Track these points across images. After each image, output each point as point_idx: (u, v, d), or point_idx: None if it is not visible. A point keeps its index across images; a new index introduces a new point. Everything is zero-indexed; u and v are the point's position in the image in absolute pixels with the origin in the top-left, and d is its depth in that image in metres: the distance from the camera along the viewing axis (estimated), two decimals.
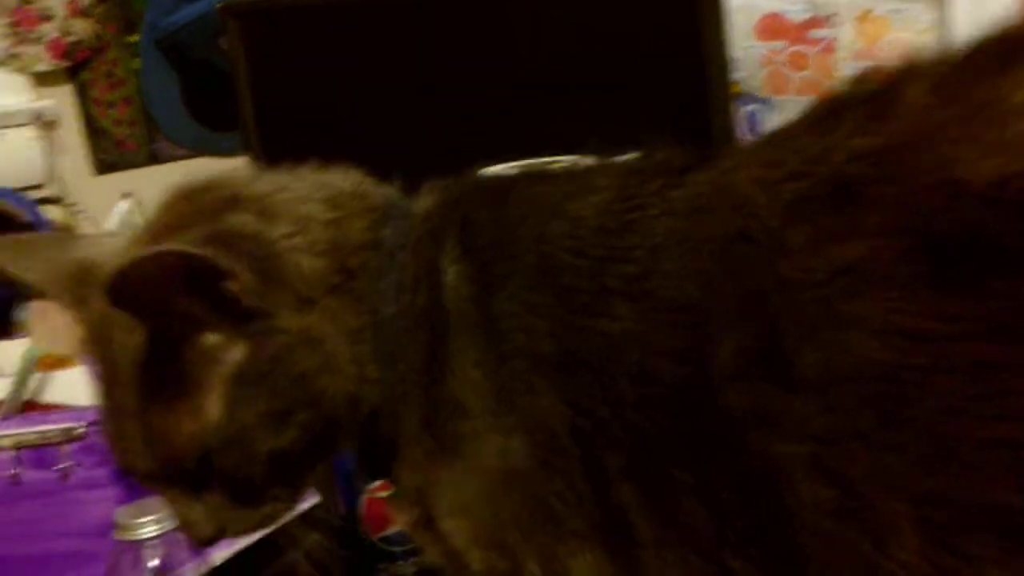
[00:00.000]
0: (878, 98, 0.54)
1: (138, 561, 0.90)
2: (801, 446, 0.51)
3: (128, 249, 0.67)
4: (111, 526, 0.90)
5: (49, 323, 1.22)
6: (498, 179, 0.67)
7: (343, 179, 0.69)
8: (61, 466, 1.04)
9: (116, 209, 1.58)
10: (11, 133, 2.05)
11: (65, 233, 0.74)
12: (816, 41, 1.44)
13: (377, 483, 0.70)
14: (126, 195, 1.62)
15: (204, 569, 0.92)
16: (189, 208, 0.66)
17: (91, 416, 1.03)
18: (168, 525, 0.88)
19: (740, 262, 0.54)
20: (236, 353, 0.62)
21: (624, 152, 0.69)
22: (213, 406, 0.62)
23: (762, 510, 0.52)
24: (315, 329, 0.62)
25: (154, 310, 0.61)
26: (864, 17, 1.41)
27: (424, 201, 0.69)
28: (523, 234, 0.61)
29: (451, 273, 0.63)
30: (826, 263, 0.51)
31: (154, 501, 0.91)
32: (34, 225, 1.69)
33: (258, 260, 0.61)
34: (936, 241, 0.49)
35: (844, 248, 0.51)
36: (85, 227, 1.75)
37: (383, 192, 0.70)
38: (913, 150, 0.51)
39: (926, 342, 0.48)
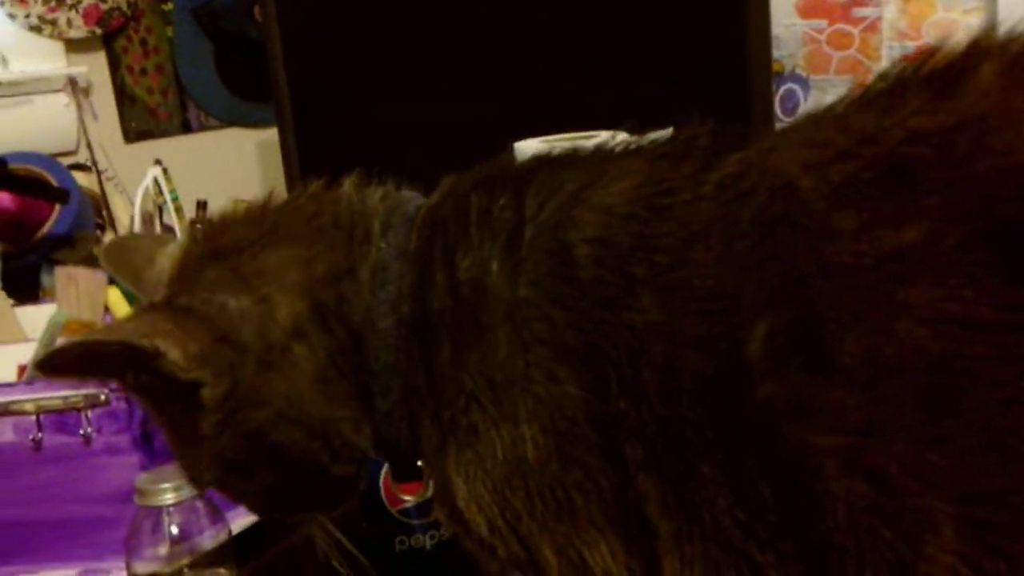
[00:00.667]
0: (944, 77, 0.52)
1: (158, 527, 0.89)
2: (837, 438, 0.49)
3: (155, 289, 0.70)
4: (132, 492, 0.90)
5: (75, 289, 1.22)
6: (520, 165, 0.65)
7: (338, 201, 0.68)
8: (83, 431, 1.03)
9: (146, 177, 1.58)
10: (44, 99, 2.05)
11: (150, 237, 0.75)
12: (859, 20, 1.41)
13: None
14: (156, 162, 1.61)
15: (223, 537, 0.91)
16: (187, 259, 0.68)
17: (114, 383, 1.02)
18: (188, 492, 0.88)
19: (779, 248, 0.51)
20: (198, 416, 0.65)
21: (663, 128, 0.67)
22: (203, 453, 0.66)
23: (795, 504, 0.50)
24: (271, 385, 0.64)
25: (102, 380, 0.68)
26: None
27: (433, 199, 0.67)
28: (544, 221, 0.59)
29: (464, 265, 0.60)
30: (876, 248, 0.49)
31: (175, 468, 0.90)
32: (65, 191, 1.69)
33: (215, 325, 0.63)
34: (1002, 228, 0.47)
35: (898, 233, 0.48)
36: (115, 194, 1.75)
37: (383, 200, 0.68)
38: (980, 133, 0.49)
39: (984, 332, 0.46)
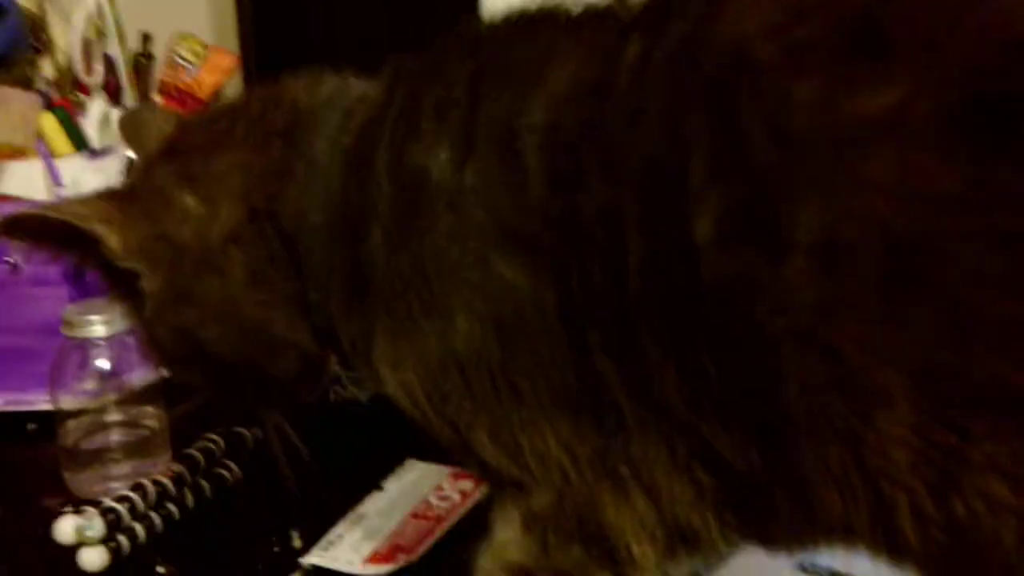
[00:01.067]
0: None
1: (85, 361, 0.87)
2: (791, 318, 0.47)
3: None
4: (59, 324, 0.87)
5: (7, 111, 1.16)
6: (472, 47, 0.60)
7: (282, 101, 0.67)
8: (11, 259, 1.00)
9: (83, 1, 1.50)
10: None
11: (163, 114, 0.75)
12: None
13: None
14: None
15: (153, 376, 0.89)
16: (153, 152, 0.70)
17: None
18: (118, 326, 0.85)
19: (730, 121, 0.48)
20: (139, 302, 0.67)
21: None
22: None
23: (745, 380, 0.49)
24: (204, 286, 0.65)
25: (51, 251, 0.68)
26: None
27: (380, 91, 0.64)
28: (495, 109, 0.56)
29: (411, 155, 0.58)
30: (837, 118, 0.46)
31: (105, 302, 0.87)
32: (2, 8, 1.61)
33: (158, 220, 0.65)
34: (982, 100, 0.44)
35: (863, 100, 0.45)
36: (55, 16, 1.67)
37: (325, 93, 0.66)
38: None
39: (952, 209, 0.44)
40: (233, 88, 1.54)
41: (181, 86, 1.52)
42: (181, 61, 1.58)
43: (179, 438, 0.88)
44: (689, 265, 0.49)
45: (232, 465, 0.86)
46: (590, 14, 0.58)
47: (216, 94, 1.49)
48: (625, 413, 0.54)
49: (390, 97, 0.62)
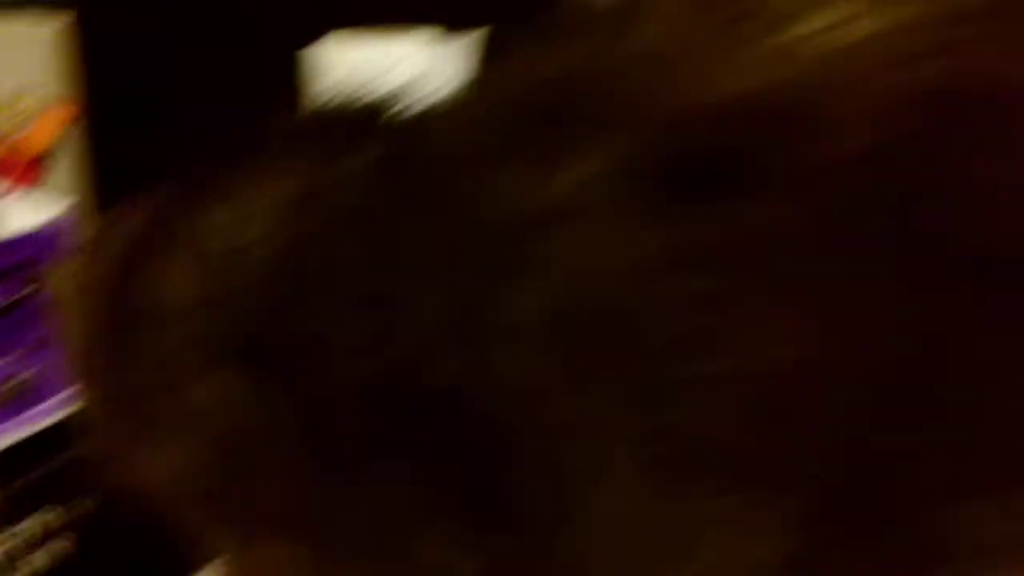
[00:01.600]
0: (622, 12, 0.49)
1: None
2: (514, 399, 0.47)
3: None
4: None
5: None
6: (203, 162, 0.58)
7: None
8: None
9: None
10: None
11: None
12: None
13: None
14: None
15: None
16: None
17: None
18: None
19: (435, 220, 0.49)
20: None
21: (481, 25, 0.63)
22: None
23: (478, 476, 0.48)
24: None
25: None
26: None
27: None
28: (213, 227, 0.54)
29: (151, 270, 0.56)
30: (522, 205, 0.47)
31: None
32: None
33: None
34: (662, 166, 0.45)
35: (546, 183, 0.46)
36: None
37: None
38: (647, 69, 0.47)
39: (638, 279, 0.45)
40: (69, 143, 1.49)
41: (11, 145, 1.47)
42: (13, 120, 1.53)
43: (14, 512, 0.83)
44: (412, 373, 0.48)
45: (71, 537, 0.82)
46: (321, 121, 0.57)
47: (49, 151, 1.44)
48: (362, 532, 0.52)
49: (147, 219, 0.60)
